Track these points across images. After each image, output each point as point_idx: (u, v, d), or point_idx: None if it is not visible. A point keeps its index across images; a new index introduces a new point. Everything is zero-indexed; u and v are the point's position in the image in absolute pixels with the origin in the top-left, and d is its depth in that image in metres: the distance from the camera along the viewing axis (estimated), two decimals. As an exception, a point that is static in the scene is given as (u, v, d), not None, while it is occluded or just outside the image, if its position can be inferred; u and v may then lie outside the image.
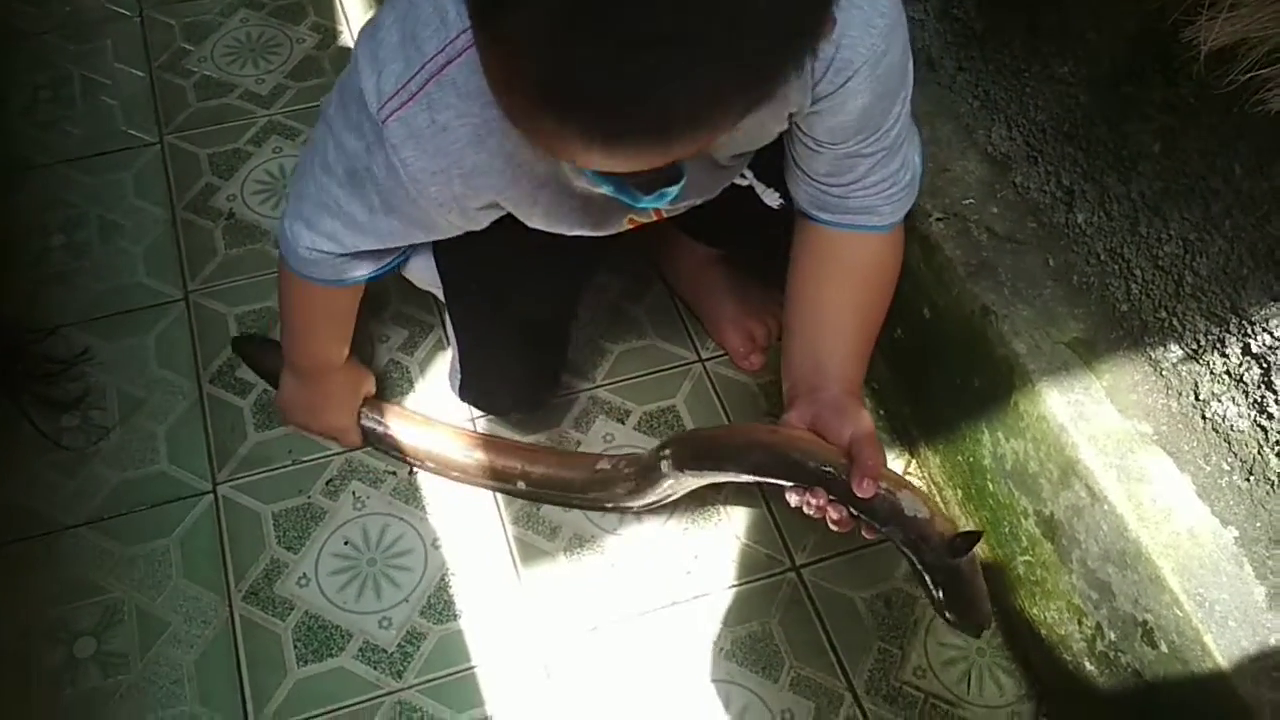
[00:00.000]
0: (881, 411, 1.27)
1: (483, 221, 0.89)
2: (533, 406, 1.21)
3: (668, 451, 0.99)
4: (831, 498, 0.87)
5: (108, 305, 1.32)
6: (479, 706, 1.05)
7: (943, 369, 1.14)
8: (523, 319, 1.05)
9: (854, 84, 0.81)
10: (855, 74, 0.80)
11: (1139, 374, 0.99)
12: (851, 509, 0.87)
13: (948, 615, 0.91)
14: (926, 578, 0.89)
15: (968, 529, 0.87)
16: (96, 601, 1.10)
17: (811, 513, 0.89)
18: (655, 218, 0.98)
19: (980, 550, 0.89)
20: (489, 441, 1.18)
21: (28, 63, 1.59)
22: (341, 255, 0.96)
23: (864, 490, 0.84)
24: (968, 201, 1.12)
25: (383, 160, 0.81)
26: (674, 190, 0.76)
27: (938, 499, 1.19)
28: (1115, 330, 1.01)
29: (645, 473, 1.03)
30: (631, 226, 0.97)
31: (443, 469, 1.18)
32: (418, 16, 0.76)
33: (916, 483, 1.19)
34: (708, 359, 1.30)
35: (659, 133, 0.57)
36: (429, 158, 0.80)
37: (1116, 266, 1.00)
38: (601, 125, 0.57)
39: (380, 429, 1.19)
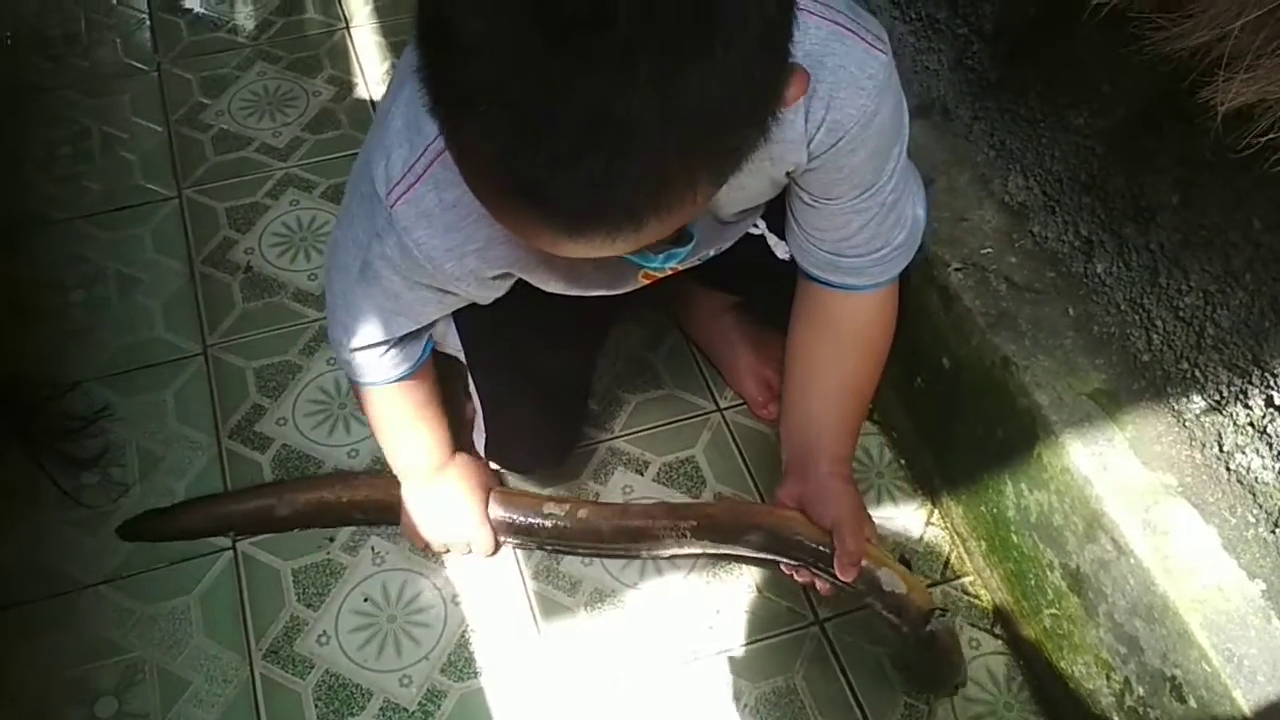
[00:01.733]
0: (902, 460, 1.26)
1: (500, 289, 0.90)
2: (556, 463, 1.21)
3: (663, 525, 1.08)
4: (817, 572, 1.00)
5: (127, 360, 1.33)
6: (502, 766, 1.04)
7: (964, 419, 1.13)
8: (542, 377, 1.05)
9: (845, 143, 0.82)
10: (846, 134, 0.81)
11: (1162, 425, 0.98)
12: (838, 583, 0.99)
13: (917, 674, 1.08)
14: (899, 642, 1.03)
15: (939, 606, 1.00)
16: (117, 661, 1.10)
17: (801, 581, 1.02)
18: (670, 272, 0.98)
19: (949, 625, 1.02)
20: (630, 507, 1.14)
21: (45, 118, 1.61)
22: (389, 347, 0.97)
23: (846, 574, 0.97)
24: (986, 251, 1.12)
25: (394, 242, 0.82)
26: (683, 251, 0.80)
27: (961, 549, 1.19)
28: (1137, 381, 1.01)
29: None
30: (647, 282, 0.97)
31: (594, 546, 1.14)
32: (420, 101, 0.77)
33: (938, 533, 1.19)
34: (726, 408, 1.30)
35: (627, 220, 0.57)
36: (441, 235, 0.81)
37: (1137, 317, 1.00)
38: (568, 222, 0.57)
39: (515, 520, 1.14)
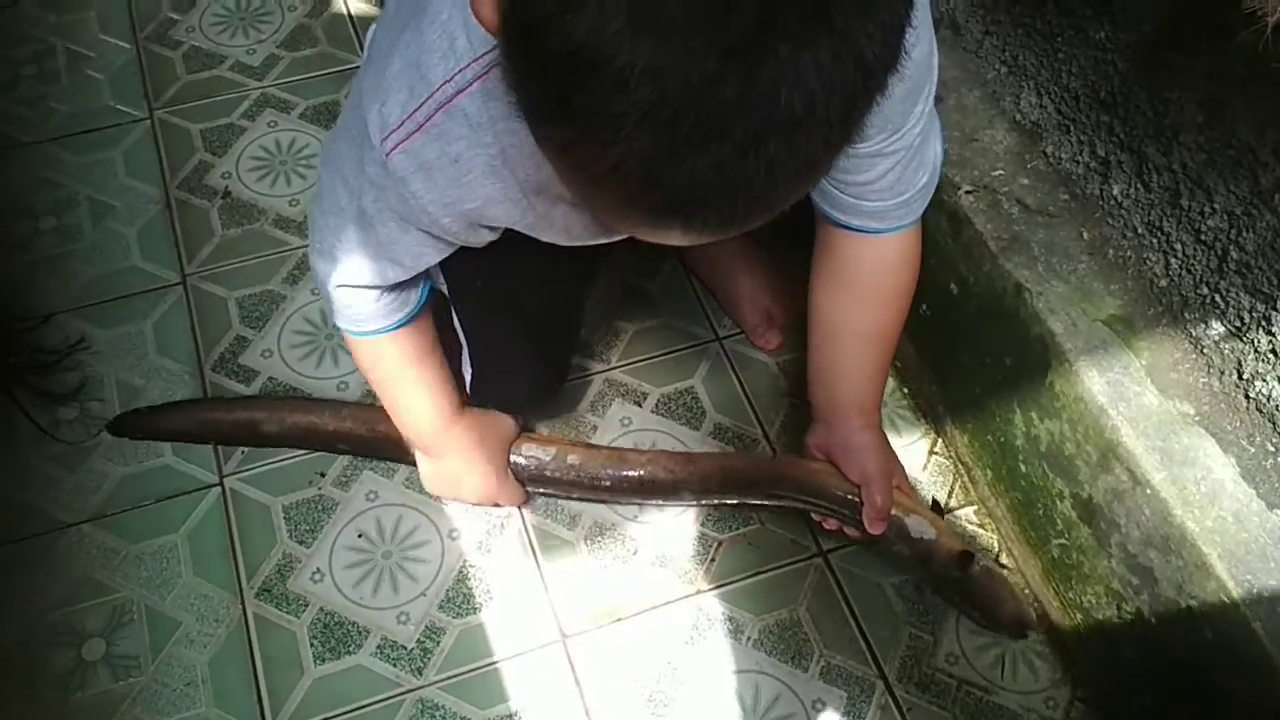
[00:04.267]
0: (906, 389, 1.23)
1: (494, 235, 0.86)
2: (545, 401, 1.17)
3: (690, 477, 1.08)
4: (846, 521, 1.03)
5: (102, 290, 1.27)
6: (503, 703, 1.02)
7: (972, 347, 1.10)
8: (529, 311, 1.00)
9: None
10: None
11: (1179, 352, 0.95)
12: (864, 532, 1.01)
13: (980, 621, 1.06)
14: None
15: (970, 550, 1.01)
16: (104, 602, 1.07)
17: (829, 529, 1.05)
18: None
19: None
20: (657, 454, 1.12)
21: (8, 36, 1.53)
22: (384, 292, 0.92)
23: (875, 529, 1.00)
24: (997, 173, 1.08)
25: (393, 193, 0.78)
26: None
27: (966, 479, 1.16)
28: (1154, 307, 0.98)
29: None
30: None
31: (619, 496, 1.12)
32: (422, 42, 0.72)
33: (942, 462, 1.17)
34: (725, 337, 1.27)
35: (767, 214, 0.56)
36: (440, 190, 0.76)
37: (1155, 240, 0.97)
38: (710, 229, 0.55)
39: (538, 467, 1.10)
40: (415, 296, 0.95)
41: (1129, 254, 1.00)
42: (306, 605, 1.07)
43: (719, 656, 1.05)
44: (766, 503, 1.07)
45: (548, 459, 1.10)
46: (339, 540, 1.10)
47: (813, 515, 1.06)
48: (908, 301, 1.01)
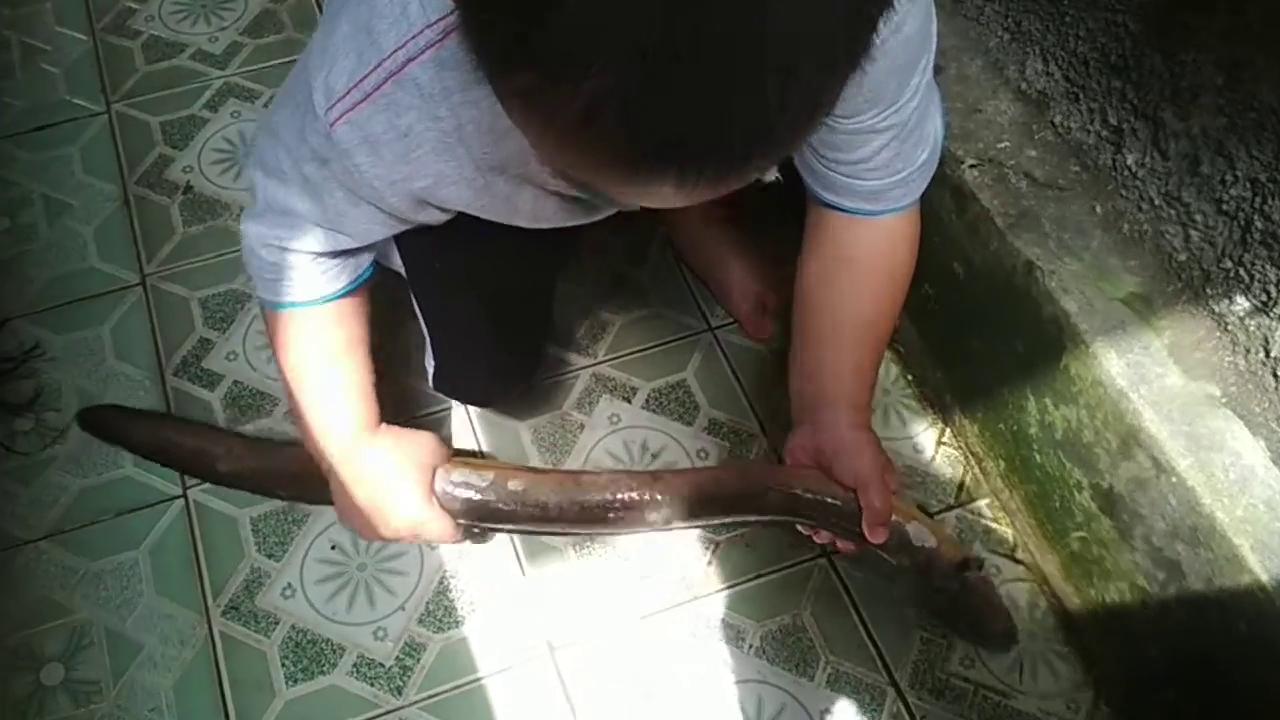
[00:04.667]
0: (909, 377, 1.17)
1: (449, 215, 0.79)
2: (513, 394, 1.10)
3: (661, 499, 0.92)
4: (839, 532, 0.91)
5: (58, 294, 1.21)
6: (489, 722, 0.96)
7: (980, 331, 1.04)
8: (494, 299, 0.93)
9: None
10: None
11: (1203, 330, 0.90)
12: (862, 544, 0.90)
13: (968, 635, 0.99)
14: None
15: (971, 556, 0.92)
16: (63, 624, 1.00)
17: (820, 541, 0.94)
18: None
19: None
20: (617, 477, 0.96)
21: (-43, 30, 1.46)
22: (324, 257, 0.83)
23: (876, 536, 0.88)
24: (1003, 145, 1.02)
25: (338, 166, 0.72)
26: None
27: (977, 470, 1.10)
28: (1174, 283, 0.92)
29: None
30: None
31: (574, 527, 0.97)
32: (373, 6, 0.66)
33: (951, 453, 1.11)
34: (718, 327, 1.20)
35: (771, 151, 0.50)
36: (387, 166, 0.70)
37: (1173, 212, 0.91)
38: (706, 182, 0.48)
39: (471, 496, 0.92)
40: (360, 265, 0.85)
41: (1146, 227, 0.94)
42: (277, 623, 1.00)
43: (718, 666, 0.99)
44: (752, 519, 0.97)
45: (483, 485, 0.92)
46: (310, 553, 1.04)
47: (800, 529, 0.94)
48: (905, 288, 0.94)
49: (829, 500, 0.90)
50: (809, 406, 0.94)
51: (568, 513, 0.92)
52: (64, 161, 1.32)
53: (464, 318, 0.96)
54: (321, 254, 0.81)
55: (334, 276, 0.83)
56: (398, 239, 0.88)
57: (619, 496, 0.92)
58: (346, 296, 0.85)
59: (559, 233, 0.84)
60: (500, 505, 0.92)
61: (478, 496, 0.92)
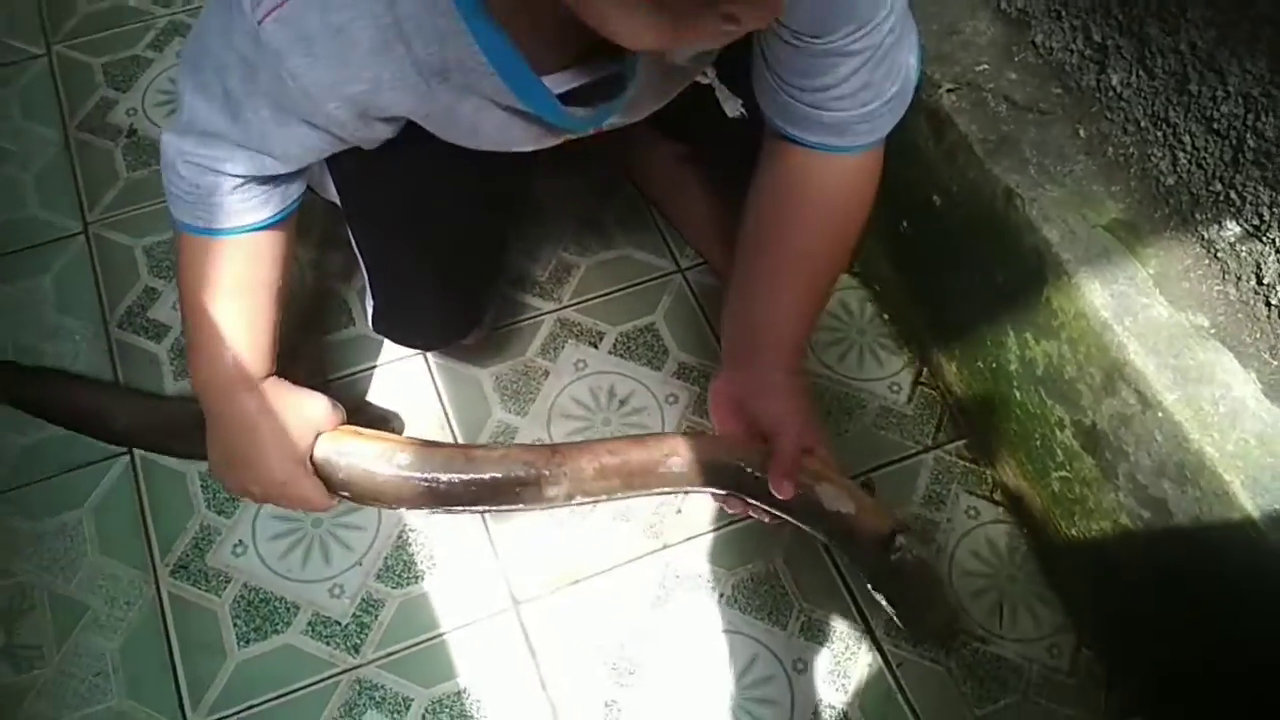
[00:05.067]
0: (885, 315, 1.13)
1: (389, 132, 0.74)
2: (458, 338, 1.04)
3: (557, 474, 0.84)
4: (752, 502, 0.82)
5: (-2, 243, 1.16)
6: (449, 680, 0.92)
7: (958, 264, 1.00)
8: (436, 241, 0.88)
9: None
10: None
11: (1190, 258, 0.85)
12: (772, 510, 0.81)
13: (900, 623, 0.86)
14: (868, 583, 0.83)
15: (901, 523, 0.81)
16: (2, 587, 0.96)
17: (733, 511, 0.86)
18: (594, 133, 0.82)
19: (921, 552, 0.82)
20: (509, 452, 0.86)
21: (-113, -29, 1.39)
22: (246, 182, 0.77)
23: (782, 491, 0.79)
24: (981, 68, 0.97)
25: (267, 72, 0.66)
26: (617, 104, 0.72)
27: (954, 411, 1.06)
28: (1161, 208, 0.87)
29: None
30: (562, 141, 0.81)
31: (466, 506, 0.87)
32: None
33: (929, 393, 1.07)
34: (688, 268, 1.16)
35: None
36: (323, 67, 0.65)
37: (1160, 134, 0.86)
38: None
39: (351, 466, 0.84)
40: (288, 195, 0.79)
41: (1131, 150, 0.89)
42: (228, 581, 0.96)
43: (688, 617, 0.95)
44: (658, 491, 0.87)
45: (369, 454, 0.84)
46: (264, 508, 0.99)
47: (713, 499, 0.87)
48: (857, 234, 0.87)
49: (735, 464, 0.82)
50: (737, 347, 0.87)
51: (459, 490, 0.84)
52: (3, 106, 1.26)
53: (404, 259, 0.91)
54: (247, 179, 0.76)
55: (258, 205, 0.77)
56: (332, 169, 0.82)
57: (515, 473, 0.84)
58: (268, 229, 0.79)
59: (508, 169, 0.79)
60: (384, 479, 0.84)
61: (360, 467, 0.84)
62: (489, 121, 0.72)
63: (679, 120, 0.95)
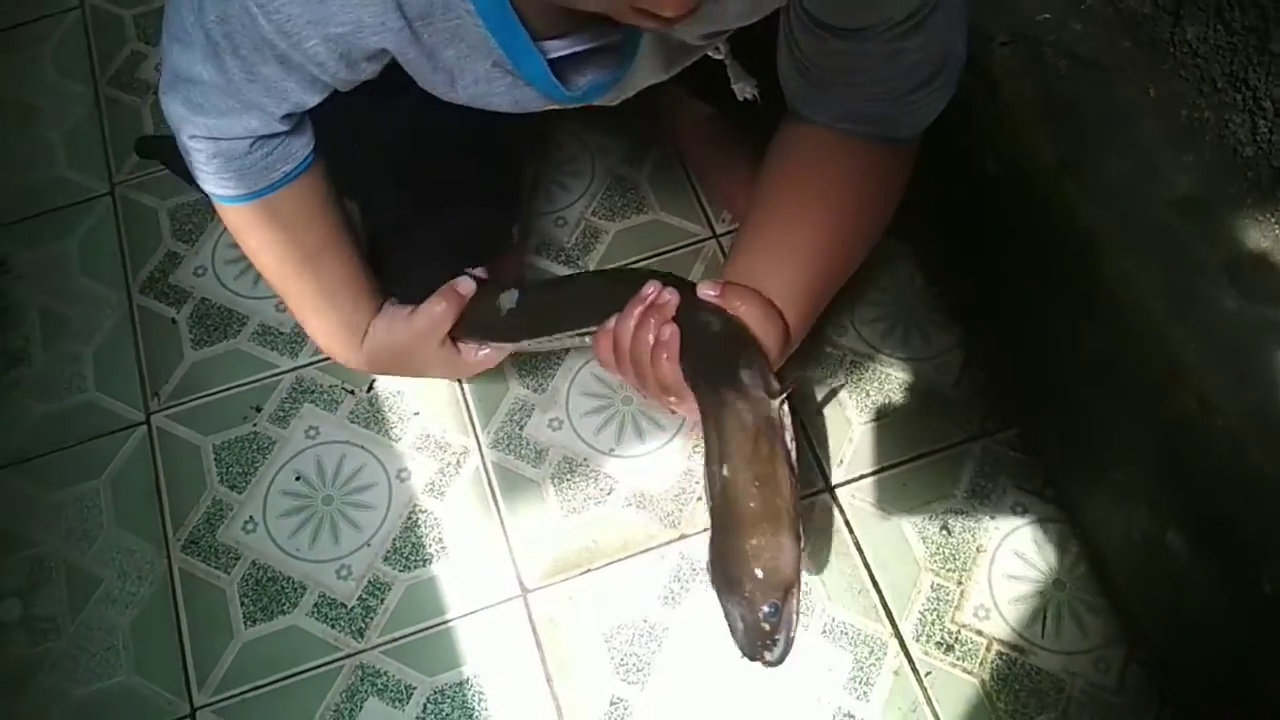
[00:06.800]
0: (935, 290, 1.04)
1: (370, 72, 0.70)
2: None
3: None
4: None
5: (27, 205, 1.15)
6: (454, 668, 0.89)
7: (1011, 238, 0.91)
8: (448, 223, 0.85)
9: None
10: None
11: (1268, 241, 0.75)
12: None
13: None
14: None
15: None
16: (22, 557, 0.96)
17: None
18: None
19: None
20: None
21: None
22: (258, 140, 0.75)
23: (705, 289, 0.74)
24: (1043, 18, 0.86)
25: (237, 5, 0.63)
26: (612, 80, 0.70)
27: (1005, 398, 0.98)
28: (1237, 183, 0.77)
29: None
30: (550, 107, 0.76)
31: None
32: None
33: (979, 376, 0.99)
34: (723, 234, 1.08)
35: None
36: (301, 3, 0.62)
37: (1239, 97, 0.76)
38: None
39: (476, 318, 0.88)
40: (302, 141, 0.78)
41: (1206, 115, 0.79)
42: (237, 559, 0.95)
43: (702, 612, 0.90)
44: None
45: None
46: (275, 484, 0.98)
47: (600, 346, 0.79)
48: (883, 220, 0.81)
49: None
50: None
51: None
52: (37, 61, 1.25)
53: (418, 251, 0.88)
54: (252, 141, 0.74)
55: (280, 160, 0.77)
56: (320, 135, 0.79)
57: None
58: (303, 173, 0.79)
59: (494, 138, 0.74)
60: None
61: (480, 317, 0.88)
62: (468, 74, 0.68)
63: (708, 82, 0.88)
